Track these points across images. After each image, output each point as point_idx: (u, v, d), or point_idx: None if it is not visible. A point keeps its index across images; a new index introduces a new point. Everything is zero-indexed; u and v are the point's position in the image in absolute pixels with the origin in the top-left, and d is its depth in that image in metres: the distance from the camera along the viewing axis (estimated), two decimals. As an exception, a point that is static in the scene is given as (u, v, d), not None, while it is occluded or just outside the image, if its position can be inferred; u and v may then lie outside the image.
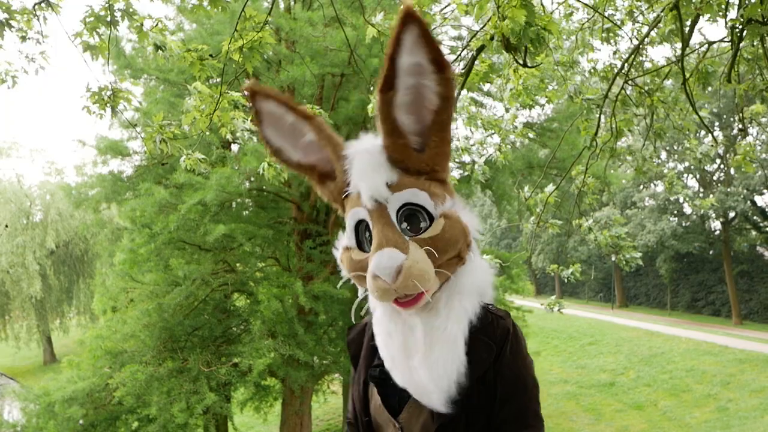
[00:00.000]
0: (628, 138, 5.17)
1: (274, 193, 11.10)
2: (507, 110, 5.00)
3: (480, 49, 3.11)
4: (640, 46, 4.52)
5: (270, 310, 9.01)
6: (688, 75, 4.12)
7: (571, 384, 18.98)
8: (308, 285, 9.88)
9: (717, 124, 27.49)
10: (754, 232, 30.27)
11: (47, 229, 24.03)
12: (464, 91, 4.31)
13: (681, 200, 27.37)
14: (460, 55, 3.90)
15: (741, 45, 3.86)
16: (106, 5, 3.31)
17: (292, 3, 10.54)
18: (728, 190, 27.28)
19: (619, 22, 4.80)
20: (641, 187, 30.81)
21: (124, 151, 11.39)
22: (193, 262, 10.27)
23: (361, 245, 1.30)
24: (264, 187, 10.83)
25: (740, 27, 3.53)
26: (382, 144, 1.25)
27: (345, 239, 1.33)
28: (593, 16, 4.86)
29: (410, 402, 1.30)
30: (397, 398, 1.33)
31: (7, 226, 23.51)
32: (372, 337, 1.40)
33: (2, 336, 27.11)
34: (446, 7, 3.88)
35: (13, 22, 3.34)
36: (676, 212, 30.88)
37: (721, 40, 4.42)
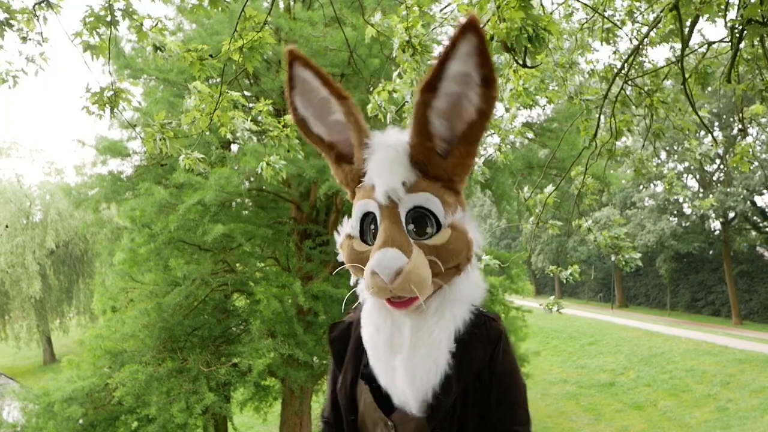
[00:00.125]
0: (628, 138, 5.17)
1: (274, 193, 11.10)
2: (507, 110, 4.99)
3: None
4: (640, 46, 4.52)
5: (269, 310, 9.01)
6: (687, 75, 4.12)
7: (571, 384, 18.99)
8: (308, 285, 9.88)
9: (717, 124, 27.49)
10: (753, 233, 30.27)
11: (47, 229, 24.02)
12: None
13: (681, 200, 27.36)
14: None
15: (741, 45, 3.86)
16: (106, 5, 3.31)
17: (292, 3, 10.53)
18: (728, 190, 27.27)
19: (618, 23, 4.80)
20: (641, 187, 30.80)
21: (124, 151, 11.39)
22: (192, 262, 10.26)
23: (364, 236, 1.30)
24: (263, 187, 10.82)
25: (740, 27, 3.53)
26: (408, 141, 1.24)
27: (349, 227, 1.33)
28: (593, 16, 4.86)
29: None
30: (387, 397, 1.33)
31: (7, 226, 23.51)
32: (359, 337, 1.39)
33: (2, 336, 27.10)
34: (446, 7, 3.89)
35: (13, 22, 3.33)
36: (675, 212, 30.88)
37: (721, 41, 4.42)
